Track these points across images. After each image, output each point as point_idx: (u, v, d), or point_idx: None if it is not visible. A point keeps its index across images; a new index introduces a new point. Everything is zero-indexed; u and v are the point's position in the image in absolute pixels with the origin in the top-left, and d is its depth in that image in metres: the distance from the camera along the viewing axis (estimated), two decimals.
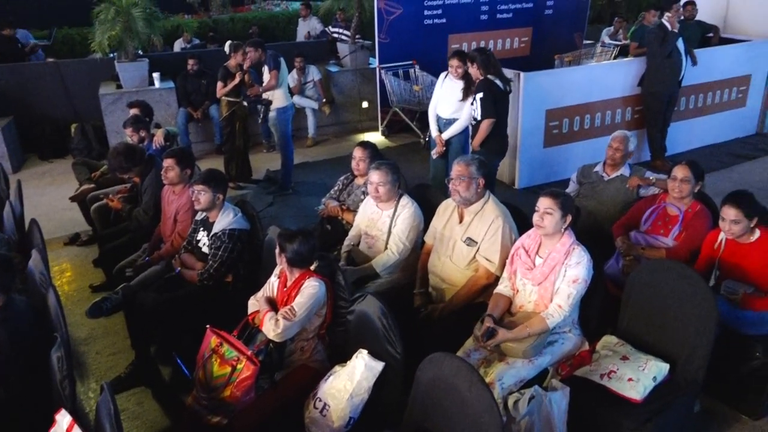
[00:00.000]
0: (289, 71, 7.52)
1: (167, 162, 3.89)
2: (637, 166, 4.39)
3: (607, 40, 9.37)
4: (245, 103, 6.06)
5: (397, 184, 3.60)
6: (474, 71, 4.83)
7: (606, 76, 6.50)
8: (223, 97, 6.18)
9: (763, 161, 6.83)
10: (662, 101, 6.36)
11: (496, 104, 4.77)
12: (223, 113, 6.26)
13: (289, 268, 2.96)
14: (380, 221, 3.63)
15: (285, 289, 3.00)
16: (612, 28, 10.03)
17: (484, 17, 8.29)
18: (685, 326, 2.78)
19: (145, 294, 3.49)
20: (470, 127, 5.05)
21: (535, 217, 2.92)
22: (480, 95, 4.76)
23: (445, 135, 5.17)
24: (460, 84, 5.04)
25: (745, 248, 3.12)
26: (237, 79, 5.98)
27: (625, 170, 4.13)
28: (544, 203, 2.88)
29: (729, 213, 3.07)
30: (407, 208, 3.57)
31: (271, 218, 5.55)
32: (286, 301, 2.94)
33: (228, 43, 6.54)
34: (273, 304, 3.01)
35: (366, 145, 4.07)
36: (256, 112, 6.05)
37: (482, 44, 8.34)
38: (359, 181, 4.13)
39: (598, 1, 15.42)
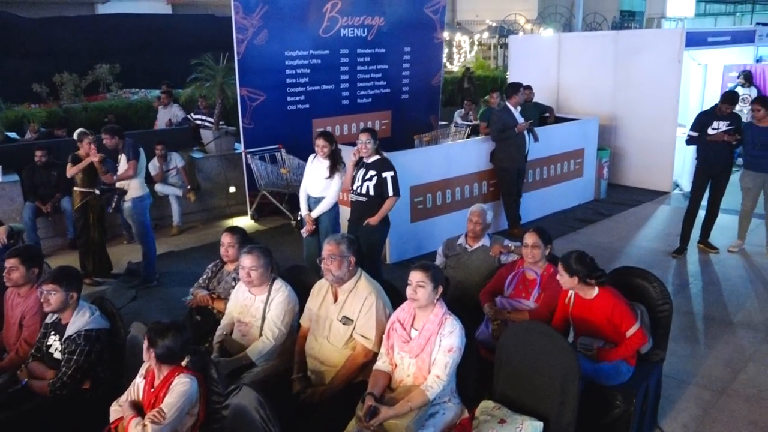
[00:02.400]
0: (150, 159, 7.29)
1: (10, 262, 3.53)
2: (496, 235, 4.71)
3: (459, 120, 10.16)
4: (97, 192, 5.74)
5: (270, 267, 3.55)
6: (369, 149, 4.95)
7: (461, 153, 7.00)
8: (75, 188, 5.83)
9: (602, 224, 7.61)
10: (512, 174, 6.95)
11: None
12: (75, 204, 5.88)
13: (157, 366, 2.76)
14: (253, 307, 3.52)
15: (152, 389, 2.78)
16: (463, 110, 10.90)
17: (345, 102, 8.68)
18: (553, 383, 2.93)
19: None
20: (360, 204, 5.04)
21: (409, 291, 2.99)
22: (391, 173, 4.94)
23: (314, 213, 5.21)
24: (327, 163, 5.16)
25: (588, 303, 3.39)
26: (95, 158, 5.64)
27: (485, 240, 4.40)
28: (416, 276, 2.97)
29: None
30: (281, 291, 3.50)
31: (134, 314, 5.18)
32: (154, 403, 2.72)
33: (77, 131, 6.25)
34: (139, 408, 2.77)
35: (234, 231, 4.00)
36: (110, 201, 5.72)
37: (345, 128, 8.70)
38: (229, 267, 4.02)
39: (448, 87, 16.86)
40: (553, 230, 4.98)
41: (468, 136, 8.62)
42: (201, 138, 8.92)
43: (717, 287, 5.62)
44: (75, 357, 3.17)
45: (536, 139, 7.20)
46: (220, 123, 8.64)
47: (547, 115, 8.41)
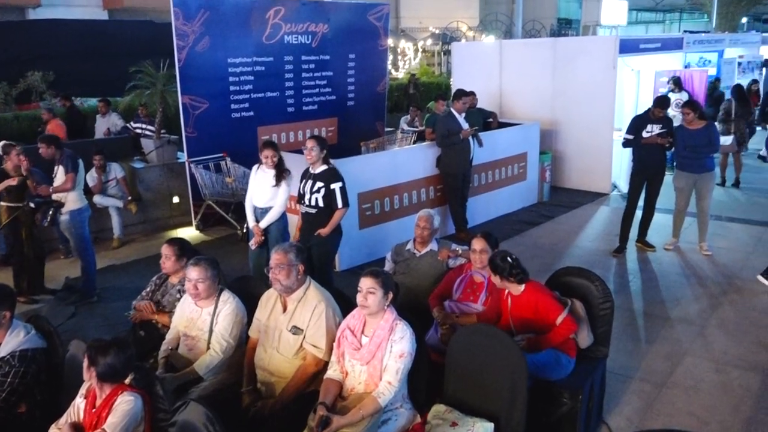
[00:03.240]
0: (88, 170, 7.03)
1: None
2: (444, 240, 4.76)
3: (405, 127, 10.23)
4: (32, 205, 5.49)
5: (217, 279, 3.48)
6: (313, 156, 4.89)
7: (408, 159, 7.06)
8: (2, 203, 5.56)
9: (545, 226, 7.80)
10: (458, 179, 7.05)
11: None
12: (2, 220, 5.60)
13: (99, 384, 2.65)
14: (200, 320, 3.44)
15: (94, 409, 2.67)
16: (409, 117, 10.99)
17: (291, 109, 8.61)
18: (502, 384, 2.98)
19: None
20: (310, 215, 5.00)
21: (359, 297, 2.98)
22: (339, 184, 4.90)
23: (263, 224, 5.15)
24: (272, 172, 5.11)
25: (518, 299, 3.53)
26: (13, 182, 5.42)
27: (433, 245, 4.44)
28: (366, 283, 2.97)
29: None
30: (229, 303, 3.44)
31: (72, 332, 4.97)
32: (96, 424, 2.61)
33: (0, 144, 5.97)
34: (80, 430, 2.65)
35: (173, 242, 3.90)
36: (46, 214, 5.45)
37: (291, 135, 8.63)
38: (173, 279, 3.91)
39: (394, 93, 16.97)
40: (498, 233, 5.07)
41: (414, 142, 8.69)
42: (142, 147, 8.68)
43: (655, 284, 5.86)
44: (9, 379, 3.02)
45: (481, 145, 7.33)
46: (162, 132, 8.43)
47: (491, 120, 8.58)
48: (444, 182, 7.18)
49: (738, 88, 9.64)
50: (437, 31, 24.90)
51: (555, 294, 3.55)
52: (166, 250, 3.83)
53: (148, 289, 3.98)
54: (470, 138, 7.04)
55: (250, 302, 3.52)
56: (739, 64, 12.77)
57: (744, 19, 38.25)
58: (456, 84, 10.44)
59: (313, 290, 3.28)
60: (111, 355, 2.61)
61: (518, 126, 8.59)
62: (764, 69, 13.94)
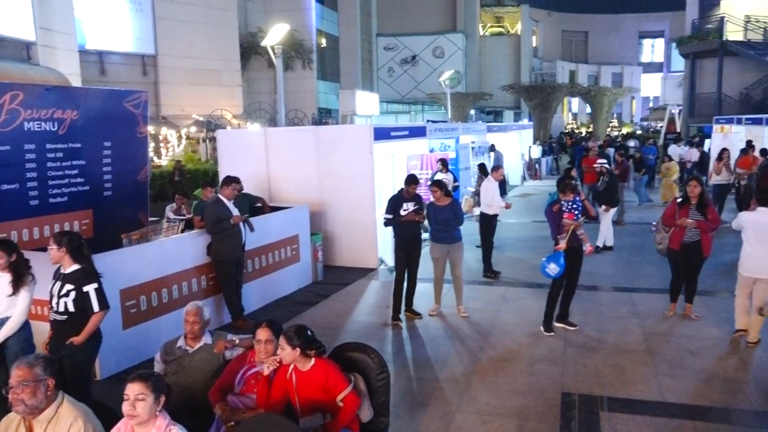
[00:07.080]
0: None
1: None
2: (219, 330, 4.57)
3: (171, 215, 9.77)
4: None
5: None
6: (66, 258, 4.35)
7: (176, 249, 6.74)
8: None
9: (322, 305, 7.97)
10: (231, 266, 6.91)
11: None
12: None
13: None
14: None
15: None
16: (175, 205, 10.55)
17: (34, 202, 7.67)
18: None
19: None
20: (59, 323, 4.38)
21: (126, 407, 2.70)
22: (93, 286, 4.34)
23: None
24: (8, 277, 4.42)
25: (306, 375, 3.52)
26: None
27: (207, 338, 4.22)
28: (133, 389, 2.71)
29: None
30: None
31: None
32: None
33: None
34: None
35: None
36: None
37: (35, 231, 7.67)
38: None
39: (157, 181, 16.27)
40: (277, 316, 5.06)
41: (182, 231, 8.32)
42: None
43: (424, 349, 6.29)
44: None
45: (252, 229, 7.32)
46: None
47: (259, 204, 8.66)
48: (217, 270, 6.96)
49: (481, 165, 11.33)
50: (201, 119, 24.75)
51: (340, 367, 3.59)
52: None
53: None
54: (241, 223, 7.00)
55: None
56: (473, 148, 14.93)
57: (472, 111, 45.23)
58: (223, 170, 10.39)
59: (66, 406, 2.87)
60: None
61: (288, 209, 8.80)
62: (492, 153, 16.51)
